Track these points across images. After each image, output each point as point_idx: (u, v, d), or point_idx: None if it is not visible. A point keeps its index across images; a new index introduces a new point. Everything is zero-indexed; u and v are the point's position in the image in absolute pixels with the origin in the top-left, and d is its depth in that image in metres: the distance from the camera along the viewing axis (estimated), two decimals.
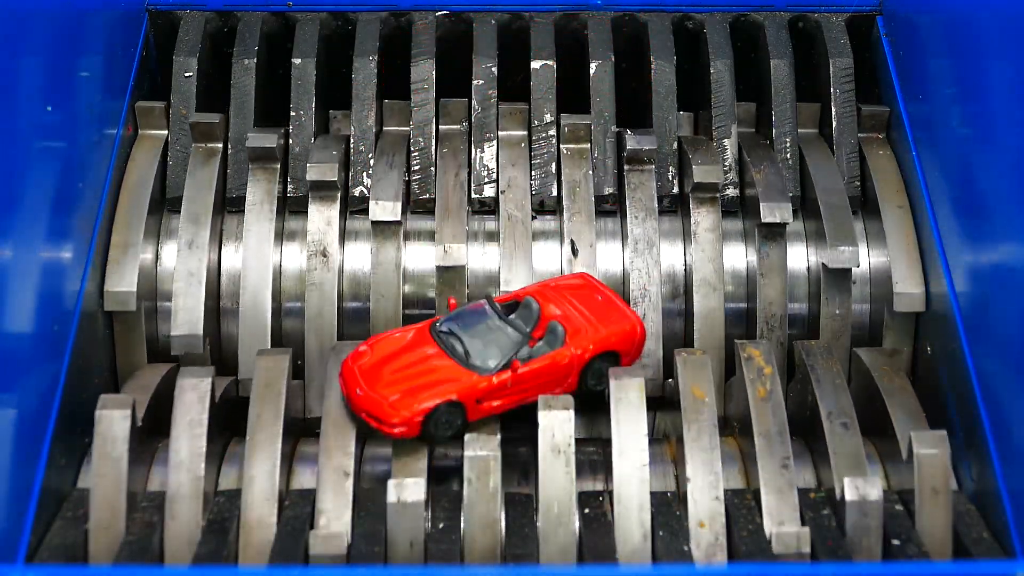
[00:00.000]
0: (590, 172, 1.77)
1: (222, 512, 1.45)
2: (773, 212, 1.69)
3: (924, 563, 1.39)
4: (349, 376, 1.51)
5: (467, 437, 1.46)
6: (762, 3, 1.91)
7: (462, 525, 1.43)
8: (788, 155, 1.82)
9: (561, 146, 1.79)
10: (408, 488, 1.40)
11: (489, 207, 1.79)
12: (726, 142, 1.82)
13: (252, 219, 1.72)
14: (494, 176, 1.79)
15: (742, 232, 1.78)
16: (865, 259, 1.75)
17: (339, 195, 1.73)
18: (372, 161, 1.78)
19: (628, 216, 1.73)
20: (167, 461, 1.46)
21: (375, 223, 1.70)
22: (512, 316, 1.57)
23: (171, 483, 1.44)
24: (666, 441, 1.59)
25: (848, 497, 1.41)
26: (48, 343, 1.52)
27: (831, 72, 1.84)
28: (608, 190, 1.78)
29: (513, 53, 1.87)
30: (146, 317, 1.71)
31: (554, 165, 1.79)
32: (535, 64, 1.84)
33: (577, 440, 1.47)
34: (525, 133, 1.81)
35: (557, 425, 1.45)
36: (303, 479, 1.53)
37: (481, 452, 1.44)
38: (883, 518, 1.42)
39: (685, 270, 1.75)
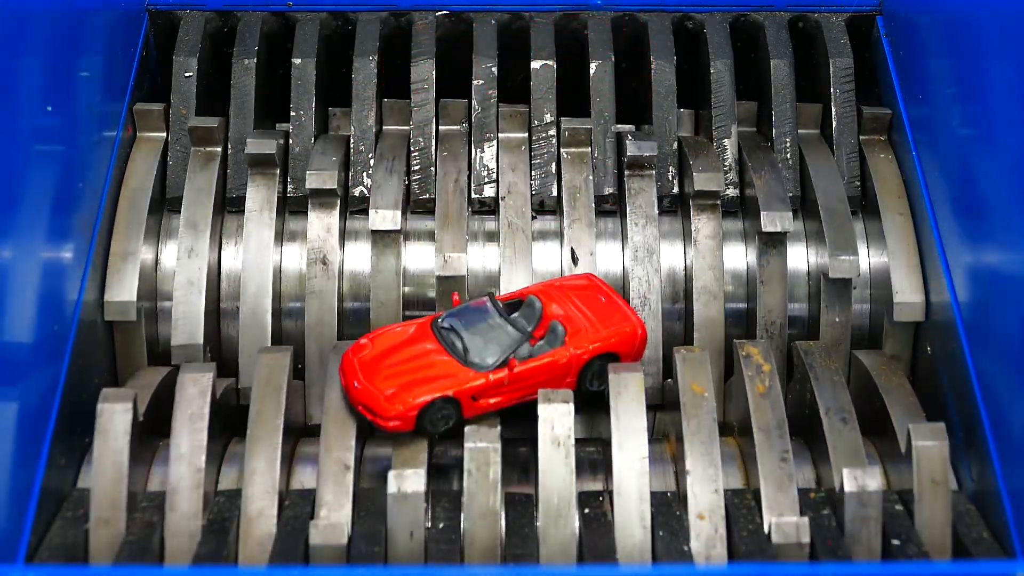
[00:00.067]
0: (590, 177, 1.76)
1: (222, 512, 1.45)
2: (774, 221, 1.69)
3: (924, 563, 1.39)
4: (348, 368, 1.51)
5: (467, 429, 1.46)
6: (762, 3, 1.91)
7: (462, 518, 1.44)
8: (788, 155, 1.82)
9: (561, 150, 1.79)
10: (408, 479, 1.40)
11: (489, 207, 1.79)
12: (726, 142, 1.82)
13: (252, 227, 1.72)
14: (494, 176, 1.79)
15: (742, 232, 1.78)
16: (865, 260, 1.75)
17: (338, 201, 1.73)
18: (372, 162, 1.78)
19: (628, 222, 1.73)
20: (168, 457, 1.46)
21: (375, 232, 1.70)
22: (515, 315, 1.57)
23: (172, 475, 1.45)
24: (666, 440, 1.59)
25: (847, 488, 1.41)
26: (48, 344, 1.52)
27: (831, 72, 1.84)
28: (608, 190, 1.78)
29: (513, 53, 1.87)
30: (146, 318, 1.71)
31: (554, 165, 1.79)
32: (535, 64, 1.84)
33: (577, 440, 1.47)
34: (525, 135, 1.81)
35: (557, 418, 1.45)
36: (303, 479, 1.54)
37: (481, 444, 1.44)
38: (883, 517, 1.42)
39: (685, 273, 1.75)
